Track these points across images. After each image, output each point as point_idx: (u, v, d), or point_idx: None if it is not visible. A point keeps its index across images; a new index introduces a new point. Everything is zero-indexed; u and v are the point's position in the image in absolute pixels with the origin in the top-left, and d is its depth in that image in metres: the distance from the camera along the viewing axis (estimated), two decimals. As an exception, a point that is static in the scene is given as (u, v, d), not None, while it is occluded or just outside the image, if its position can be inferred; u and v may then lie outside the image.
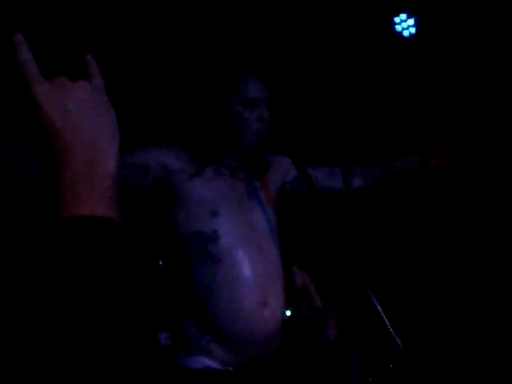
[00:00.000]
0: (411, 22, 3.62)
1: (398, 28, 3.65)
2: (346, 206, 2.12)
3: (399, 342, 1.23)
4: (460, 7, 3.39)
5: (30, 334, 0.47)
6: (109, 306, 0.48)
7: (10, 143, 1.37)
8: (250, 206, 1.68)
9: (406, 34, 3.64)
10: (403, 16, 3.63)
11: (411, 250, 3.45)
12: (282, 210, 1.86)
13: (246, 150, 1.72)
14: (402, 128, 3.60)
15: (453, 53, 3.50)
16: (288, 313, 2.15)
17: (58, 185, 0.57)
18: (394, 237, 3.48)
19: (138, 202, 1.78)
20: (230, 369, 1.57)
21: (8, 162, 1.37)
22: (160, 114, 3.05)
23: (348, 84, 3.62)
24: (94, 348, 0.46)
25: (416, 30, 3.61)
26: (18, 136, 1.38)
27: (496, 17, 3.28)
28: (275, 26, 3.28)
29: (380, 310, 1.23)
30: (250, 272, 1.55)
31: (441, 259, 3.36)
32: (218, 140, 1.72)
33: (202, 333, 1.57)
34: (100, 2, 2.84)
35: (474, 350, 2.90)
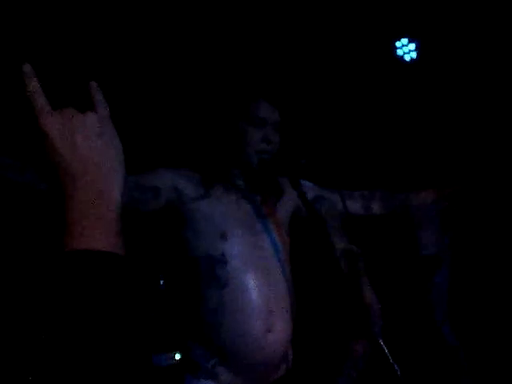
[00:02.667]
0: (412, 46, 3.69)
1: (400, 52, 3.71)
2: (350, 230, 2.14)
3: (397, 368, 1.25)
4: (461, 32, 3.46)
5: (30, 358, 0.49)
6: (105, 342, 0.50)
7: (19, 164, 1.39)
8: (259, 229, 1.68)
9: (407, 58, 3.70)
10: (404, 40, 3.70)
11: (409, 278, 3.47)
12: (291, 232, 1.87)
13: (249, 169, 1.73)
14: (403, 150, 3.64)
15: (453, 77, 3.55)
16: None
17: (64, 216, 0.57)
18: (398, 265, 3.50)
19: (144, 222, 1.80)
20: None
21: (18, 181, 1.39)
22: (170, 133, 3.09)
23: (349, 107, 3.67)
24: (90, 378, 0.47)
25: (417, 55, 3.67)
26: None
27: (496, 43, 3.34)
28: (280, 52, 3.34)
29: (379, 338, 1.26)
30: (257, 297, 1.55)
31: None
32: (226, 160, 1.75)
33: (209, 355, 1.57)
34: (107, 30, 2.91)
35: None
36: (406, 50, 3.70)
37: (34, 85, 0.62)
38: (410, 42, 3.68)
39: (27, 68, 0.62)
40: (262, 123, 1.70)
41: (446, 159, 3.48)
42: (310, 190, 1.82)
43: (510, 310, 3.15)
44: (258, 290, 1.56)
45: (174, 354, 2.76)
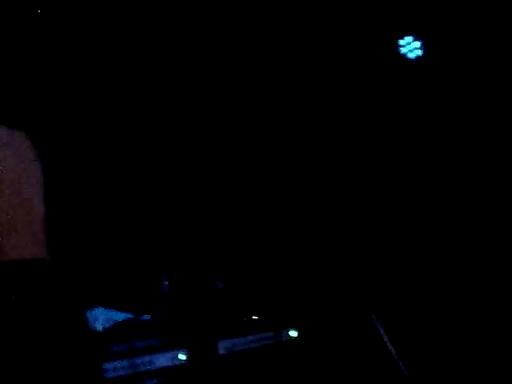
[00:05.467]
0: (417, 44, 3.67)
1: (404, 50, 3.70)
2: (353, 230, 2.14)
3: (404, 368, 1.24)
4: (465, 30, 3.44)
5: None
6: (36, 347, 0.50)
7: None
8: None
9: (411, 56, 3.69)
10: (409, 38, 3.69)
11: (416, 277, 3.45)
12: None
13: None
14: (406, 147, 3.62)
15: (458, 74, 3.54)
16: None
17: None
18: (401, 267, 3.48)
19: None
20: None
21: None
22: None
23: (354, 105, 3.66)
24: None
25: (422, 52, 3.66)
26: None
27: (501, 41, 3.32)
28: (282, 54, 3.34)
29: (385, 338, 1.25)
30: None
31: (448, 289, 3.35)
32: None
33: None
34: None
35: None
36: (411, 47, 3.69)
37: None
38: (414, 39, 3.67)
39: None
40: None
41: (449, 156, 3.46)
42: None
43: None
44: None
45: (178, 354, 2.74)
